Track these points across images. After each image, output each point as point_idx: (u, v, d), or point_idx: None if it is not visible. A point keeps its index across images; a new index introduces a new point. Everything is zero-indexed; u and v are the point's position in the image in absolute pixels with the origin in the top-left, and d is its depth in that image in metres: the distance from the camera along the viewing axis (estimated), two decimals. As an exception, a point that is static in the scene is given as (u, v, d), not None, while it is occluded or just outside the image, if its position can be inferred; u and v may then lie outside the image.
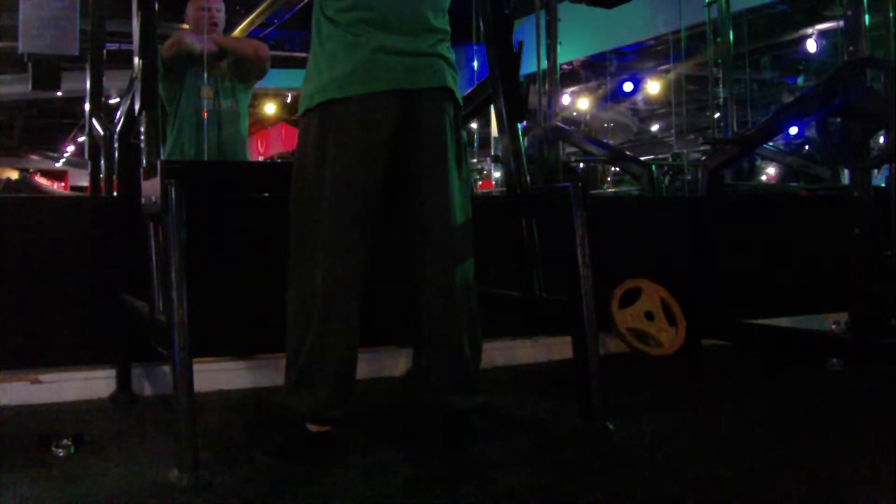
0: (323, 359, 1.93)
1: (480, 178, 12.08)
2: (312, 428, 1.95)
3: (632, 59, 11.66)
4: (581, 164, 7.55)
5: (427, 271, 2.04)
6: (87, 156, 3.74)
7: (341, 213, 1.94)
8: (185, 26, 3.58)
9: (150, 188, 2.00)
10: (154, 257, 2.06)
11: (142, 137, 2.14)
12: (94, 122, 3.41)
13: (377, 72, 1.94)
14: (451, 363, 2.04)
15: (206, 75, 3.35)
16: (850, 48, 2.99)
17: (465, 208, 2.07)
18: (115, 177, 2.90)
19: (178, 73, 3.35)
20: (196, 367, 1.87)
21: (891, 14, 3.27)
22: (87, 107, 3.55)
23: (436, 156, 2.02)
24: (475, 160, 11.23)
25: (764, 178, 9.47)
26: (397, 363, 2.95)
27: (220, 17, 3.50)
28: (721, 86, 5.93)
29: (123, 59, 2.68)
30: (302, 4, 9.83)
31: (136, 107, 2.19)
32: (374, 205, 1.98)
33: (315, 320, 1.92)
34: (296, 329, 1.96)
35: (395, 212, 2.07)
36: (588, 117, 12.38)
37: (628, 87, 11.81)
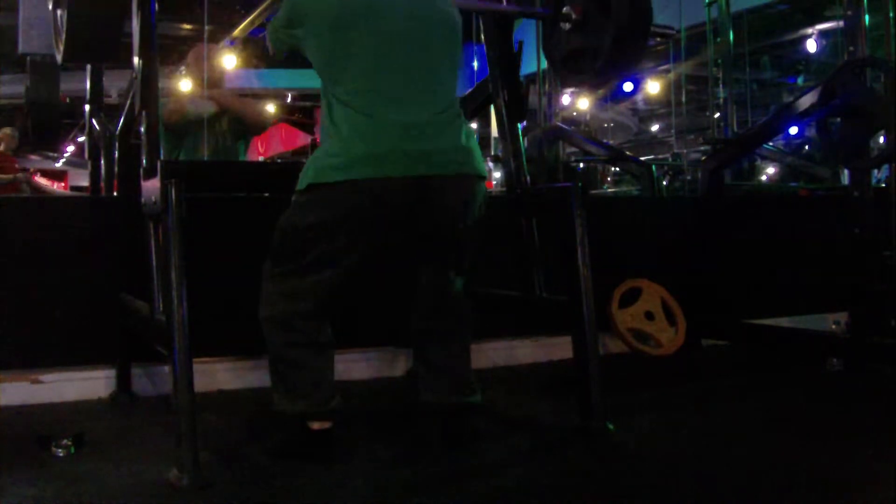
0: (300, 371, 1.96)
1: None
2: (314, 425, 1.95)
3: (632, 59, 11.64)
4: (581, 164, 7.55)
5: (424, 291, 2.08)
6: (87, 156, 3.74)
7: (336, 266, 1.94)
8: (187, 26, 3.58)
9: (150, 188, 2.00)
10: (154, 257, 2.06)
11: (142, 137, 2.14)
12: (94, 122, 3.42)
13: (392, 157, 1.86)
14: (447, 376, 2.08)
15: (205, 133, 3.37)
16: (850, 48, 2.99)
17: (475, 230, 2.05)
18: (115, 177, 2.90)
19: (178, 131, 3.35)
20: (196, 367, 1.87)
21: (891, 14, 3.27)
22: (87, 107, 3.56)
23: (449, 235, 2.01)
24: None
25: (764, 178, 9.48)
26: (397, 363, 2.95)
27: (224, 67, 3.53)
28: (721, 86, 5.94)
29: (123, 60, 2.67)
30: (302, 4, 9.81)
31: (136, 107, 2.19)
32: (373, 257, 1.99)
33: (290, 345, 1.95)
34: (272, 345, 1.98)
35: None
36: (588, 117, 12.37)
37: (628, 87, 11.79)
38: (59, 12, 1.93)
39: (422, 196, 1.90)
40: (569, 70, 2.46)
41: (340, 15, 1.92)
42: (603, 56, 2.28)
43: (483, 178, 2.02)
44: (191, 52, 3.53)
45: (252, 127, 3.51)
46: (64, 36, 1.98)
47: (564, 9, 2.39)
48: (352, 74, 1.91)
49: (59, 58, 2.07)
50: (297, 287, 1.95)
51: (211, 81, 3.39)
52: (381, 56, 1.92)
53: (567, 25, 2.40)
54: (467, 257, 2.08)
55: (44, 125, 3.85)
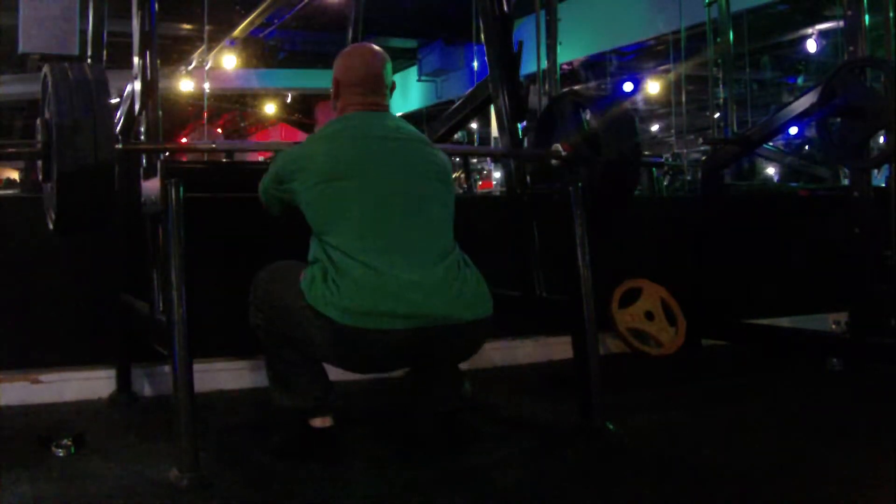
0: (297, 369, 1.95)
1: (480, 179, 12.08)
2: (315, 423, 1.95)
3: (632, 59, 11.66)
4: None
5: None
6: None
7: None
8: (187, 26, 3.57)
9: (150, 188, 2.00)
10: (154, 257, 2.06)
11: (142, 137, 2.14)
12: (94, 122, 3.41)
13: (396, 309, 1.79)
14: (437, 378, 2.06)
15: None
16: (850, 48, 2.99)
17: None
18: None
19: None
20: (196, 367, 1.87)
21: (891, 14, 3.27)
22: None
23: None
24: (475, 160, 11.23)
25: (767, 175, 9.48)
26: (397, 363, 2.94)
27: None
28: (721, 86, 5.93)
29: (123, 59, 2.67)
30: (302, 4, 9.84)
31: (136, 107, 2.19)
32: None
33: (284, 344, 1.94)
34: (267, 346, 1.98)
35: None
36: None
37: (628, 87, 11.81)
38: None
39: (421, 346, 1.85)
40: None
41: (334, 169, 1.89)
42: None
43: (488, 316, 1.94)
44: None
45: None
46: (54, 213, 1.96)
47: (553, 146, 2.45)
48: (349, 226, 1.86)
49: (50, 225, 2.02)
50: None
51: None
52: (378, 206, 1.87)
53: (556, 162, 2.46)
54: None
55: None
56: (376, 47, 2.12)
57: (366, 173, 1.90)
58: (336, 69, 2.07)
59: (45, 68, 1.90)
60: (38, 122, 1.91)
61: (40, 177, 1.95)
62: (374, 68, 2.04)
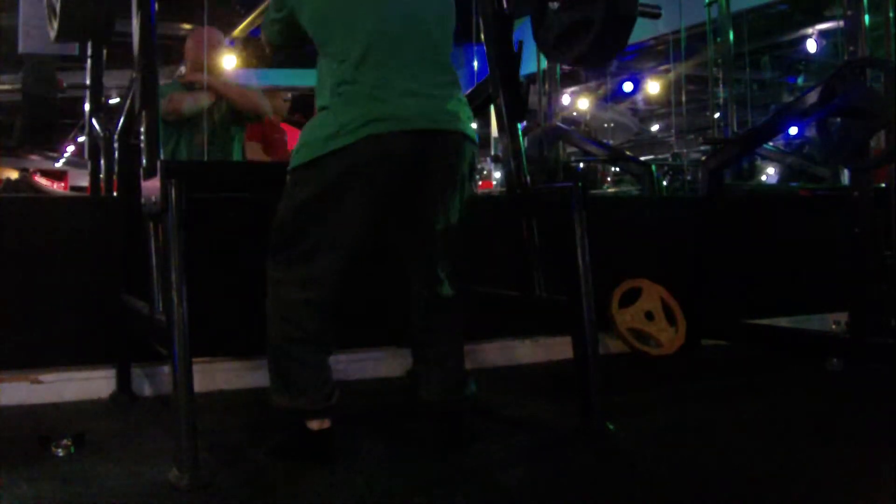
0: (301, 367, 1.96)
1: (480, 179, 12.07)
2: (313, 425, 1.95)
3: (632, 59, 11.65)
4: (581, 164, 7.55)
5: (415, 299, 2.10)
6: (87, 156, 3.74)
7: (336, 248, 1.94)
8: (187, 26, 3.59)
9: (150, 188, 2.00)
10: (154, 257, 2.06)
11: (142, 137, 2.14)
12: (94, 122, 3.41)
13: (390, 112, 1.88)
14: (442, 361, 2.09)
15: (204, 124, 3.36)
16: (850, 48, 2.99)
17: (457, 230, 2.07)
18: (115, 177, 2.90)
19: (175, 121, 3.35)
20: (196, 367, 1.87)
21: (891, 14, 3.27)
22: (87, 107, 3.55)
23: (441, 204, 2.01)
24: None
25: (764, 178, 9.47)
26: (397, 363, 2.94)
27: (220, 50, 3.52)
28: (721, 86, 5.93)
29: (123, 59, 2.67)
30: (302, 4, 9.81)
31: (136, 107, 2.19)
32: (370, 240, 1.99)
33: (291, 339, 1.95)
34: (274, 339, 1.98)
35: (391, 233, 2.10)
36: (588, 117, 12.36)
37: (628, 87, 11.80)
38: None
39: (417, 149, 1.91)
40: (562, 53, 2.47)
41: None
42: (597, 25, 2.28)
43: (475, 143, 2.05)
44: (189, 38, 3.53)
45: (247, 116, 3.50)
46: (58, 11, 1.98)
47: None
48: (350, 36, 1.92)
49: (51, 35, 2.07)
50: (300, 275, 1.94)
51: (210, 69, 3.40)
52: (380, 20, 1.94)
53: (555, 4, 2.41)
54: (452, 254, 2.09)
55: (41, 117, 3.82)
56: None
57: None
58: None
59: None
60: None
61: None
62: None
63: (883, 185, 3.10)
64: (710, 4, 6.03)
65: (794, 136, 8.45)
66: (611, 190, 9.39)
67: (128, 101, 2.47)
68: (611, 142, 10.84)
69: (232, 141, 3.50)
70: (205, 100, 3.35)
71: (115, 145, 2.71)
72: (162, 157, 2.14)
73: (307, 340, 1.95)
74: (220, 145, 3.44)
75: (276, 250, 1.98)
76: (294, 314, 1.94)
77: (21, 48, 3.58)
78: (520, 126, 2.60)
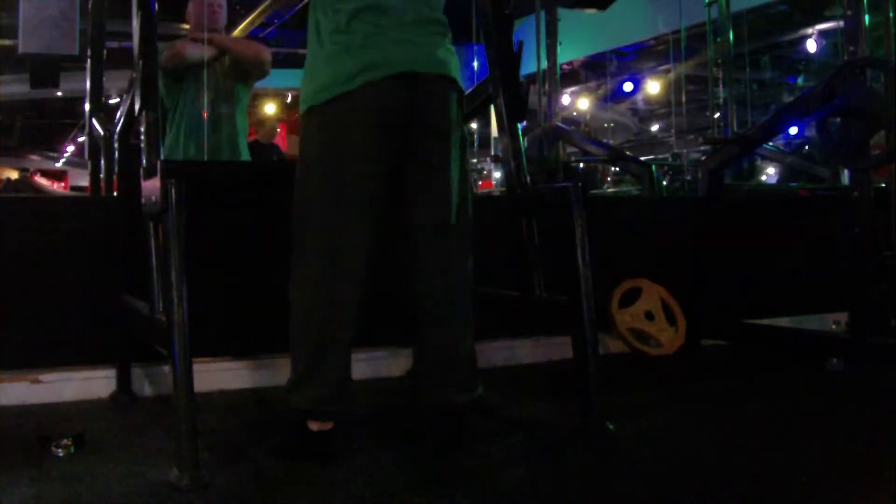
0: (325, 356, 1.94)
1: (480, 179, 12.07)
2: (313, 426, 1.95)
3: (632, 59, 11.66)
4: (581, 164, 7.55)
5: (424, 271, 2.05)
6: (87, 156, 3.74)
7: (346, 206, 1.95)
8: (187, 26, 3.58)
9: (150, 188, 2.00)
10: (154, 257, 2.06)
11: (142, 137, 2.14)
12: (94, 122, 3.42)
13: (383, 59, 1.95)
14: (447, 363, 2.06)
15: (205, 77, 3.36)
16: (850, 48, 2.99)
17: (463, 208, 2.07)
18: (115, 177, 2.90)
19: (178, 74, 3.35)
20: (196, 367, 1.87)
21: (891, 14, 3.27)
22: (87, 107, 3.56)
23: (439, 149, 2.03)
24: (475, 160, 11.23)
25: (764, 178, 9.47)
26: (397, 363, 2.94)
27: (222, 13, 3.51)
28: (721, 86, 5.94)
29: (123, 59, 2.67)
30: (302, 4, 9.84)
31: (136, 107, 2.19)
32: (378, 198, 1.99)
33: (317, 319, 1.93)
34: (299, 327, 1.97)
35: (396, 207, 2.08)
36: (588, 117, 12.37)
37: (628, 87, 11.82)
38: None
39: (411, 91, 1.96)
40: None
41: None
42: None
43: (462, 90, 2.11)
44: (191, 1, 3.52)
45: (251, 68, 3.49)
46: None
47: None
48: None
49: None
50: (326, 258, 1.94)
51: (210, 26, 3.40)
52: None
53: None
54: (463, 246, 2.07)
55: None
56: None
57: None
58: None
59: None
60: None
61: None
62: None
63: (883, 185, 3.10)
64: (710, 4, 6.03)
65: (794, 136, 8.46)
66: (611, 190, 9.39)
67: (128, 101, 2.47)
68: (611, 142, 10.85)
69: (237, 104, 3.46)
70: (207, 50, 3.34)
71: (115, 145, 2.71)
72: (162, 155, 2.14)
73: (333, 338, 1.94)
74: (225, 107, 3.42)
75: (300, 228, 1.98)
76: (318, 311, 1.93)
77: (21, 48, 3.58)
78: (520, 126, 2.59)
